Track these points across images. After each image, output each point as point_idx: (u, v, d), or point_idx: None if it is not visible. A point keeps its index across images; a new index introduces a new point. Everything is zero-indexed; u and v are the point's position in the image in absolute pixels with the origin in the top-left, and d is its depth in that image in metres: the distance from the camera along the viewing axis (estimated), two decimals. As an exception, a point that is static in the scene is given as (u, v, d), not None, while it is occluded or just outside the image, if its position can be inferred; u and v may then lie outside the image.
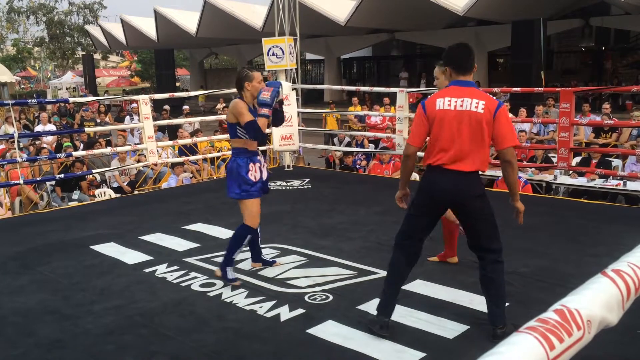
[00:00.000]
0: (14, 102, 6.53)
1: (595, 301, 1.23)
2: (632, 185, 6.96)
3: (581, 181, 7.46)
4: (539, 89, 8.21)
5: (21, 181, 6.15)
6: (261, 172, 3.80)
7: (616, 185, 7.10)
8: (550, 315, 1.11)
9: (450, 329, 3.07)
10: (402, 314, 3.25)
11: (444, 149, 2.89)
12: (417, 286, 3.67)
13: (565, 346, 1.08)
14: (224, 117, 9.58)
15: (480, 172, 2.99)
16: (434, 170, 2.94)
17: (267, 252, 4.38)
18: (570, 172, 7.20)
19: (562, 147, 5.97)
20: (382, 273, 3.92)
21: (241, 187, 3.69)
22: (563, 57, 22.88)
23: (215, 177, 8.73)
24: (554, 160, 7.30)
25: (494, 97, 2.94)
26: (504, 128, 2.87)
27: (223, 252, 4.39)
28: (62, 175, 7.24)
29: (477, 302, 3.38)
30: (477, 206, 2.96)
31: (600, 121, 8.64)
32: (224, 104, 15.58)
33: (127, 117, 13.09)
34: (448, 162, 2.88)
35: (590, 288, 1.28)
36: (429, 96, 3.03)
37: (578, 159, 7.98)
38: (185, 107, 14.56)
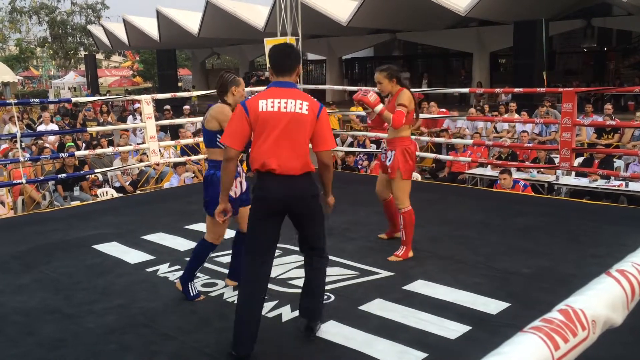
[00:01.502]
0: (16, 101, 6.54)
1: (599, 301, 1.22)
2: (634, 186, 6.95)
3: (583, 182, 7.45)
4: (541, 89, 8.20)
5: (24, 180, 6.16)
6: (241, 185, 3.51)
7: (618, 186, 7.09)
8: (555, 315, 1.11)
9: (452, 329, 3.07)
10: (403, 315, 3.25)
11: (268, 152, 2.77)
12: (419, 286, 3.67)
13: (570, 346, 1.07)
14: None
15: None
16: (264, 176, 2.83)
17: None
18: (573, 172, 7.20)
19: (565, 147, 5.96)
20: (384, 273, 3.93)
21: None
22: (565, 57, 22.86)
23: (217, 177, 8.73)
24: (556, 160, 7.30)
25: (314, 99, 2.88)
26: (325, 130, 2.84)
27: (226, 252, 4.41)
28: (64, 175, 7.25)
29: (479, 303, 3.38)
30: (312, 206, 2.91)
31: (603, 122, 8.63)
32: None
33: (130, 117, 13.10)
34: (277, 167, 2.78)
35: (595, 288, 1.27)
36: (249, 97, 2.89)
37: (580, 159, 7.97)
38: (186, 107, 14.56)
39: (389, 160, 4.24)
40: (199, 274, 3.98)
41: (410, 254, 4.23)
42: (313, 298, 3.03)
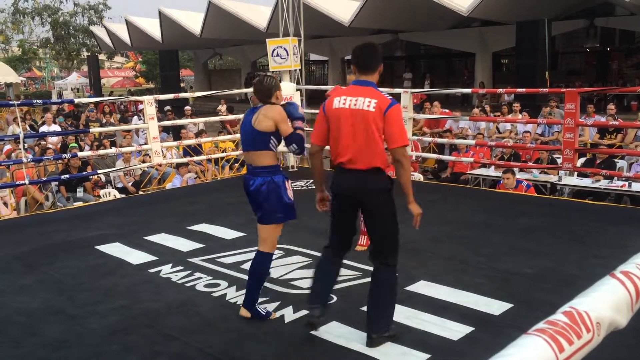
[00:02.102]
0: (19, 102, 6.55)
1: (604, 303, 1.22)
2: (637, 187, 6.93)
3: (586, 182, 7.44)
4: (544, 89, 8.18)
5: (26, 181, 6.17)
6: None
7: (621, 187, 7.07)
8: (559, 317, 1.10)
9: (454, 330, 3.06)
10: (406, 315, 3.24)
11: (338, 148, 2.90)
12: (421, 287, 3.66)
13: (574, 348, 1.07)
14: (229, 117, 9.61)
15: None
16: (336, 169, 2.96)
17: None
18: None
19: (567, 148, 5.95)
20: (387, 274, 3.92)
21: (283, 210, 3.21)
22: (568, 57, 22.82)
23: (219, 178, 8.74)
24: (559, 161, 7.28)
25: (389, 97, 2.89)
26: (392, 128, 2.84)
27: (228, 253, 4.42)
28: (67, 176, 7.26)
29: (482, 304, 3.37)
30: (377, 202, 2.91)
31: (606, 122, 8.61)
32: (226, 105, 15.59)
33: (135, 117, 13.12)
34: (346, 161, 2.88)
35: (599, 290, 1.27)
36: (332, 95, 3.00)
37: (583, 159, 7.95)
38: (187, 107, 14.59)
39: None
40: (201, 275, 3.99)
41: None
42: (373, 309, 2.92)
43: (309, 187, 6.88)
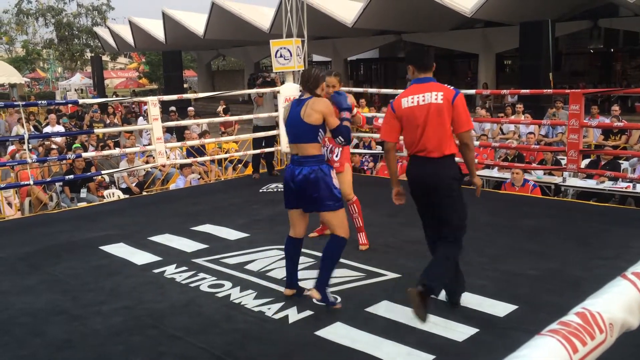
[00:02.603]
0: (24, 103, 6.56)
1: (616, 304, 1.21)
2: (642, 188, 6.90)
3: (590, 183, 7.41)
4: (548, 90, 8.16)
5: (31, 182, 6.18)
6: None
7: (626, 188, 7.04)
8: (572, 318, 1.10)
9: (459, 331, 3.06)
10: (410, 316, 3.22)
11: (414, 141, 3.20)
12: (426, 288, 3.65)
13: (588, 349, 1.06)
14: (234, 118, 9.61)
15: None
16: (411, 160, 3.30)
17: (275, 254, 4.38)
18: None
19: (572, 149, 5.93)
20: (390, 275, 3.92)
21: (332, 198, 3.33)
22: (571, 58, 22.76)
23: (222, 179, 8.74)
24: (563, 162, 7.26)
25: (451, 87, 3.26)
26: (460, 115, 3.17)
27: (232, 253, 4.42)
28: (71, 176, 7.27)
29: (486, 305, 3.36)
30: (449, 186, 3.21)
31: (610, 123, 8.59)
32: (224, 106, 15.62)
33: (140, 118, 13.14)
34: (419, 151, 3.21)
35: (611, 291, 1.26)
36: (400, 94, 3.29)
37: (587, 161, 7.93)
38: (190, 108, 14.62)
39: (337, 156, 4.43)
40: (205, 275, 3.99)
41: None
42: (429, 270, 3.14)
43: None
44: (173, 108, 13.67)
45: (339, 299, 3.45)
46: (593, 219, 5.32)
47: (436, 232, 3.29)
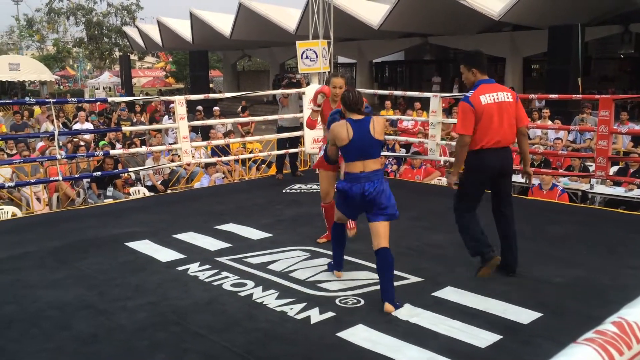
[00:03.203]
0: (54, 100, 6.70)
1: (653, 314, 1.19)
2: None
3: (618, 191, 7.28)
4: (577, 96, 8.03)
5: (60, 177, 6.30)
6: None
7: (655, 196, 6.90)
8: (608, 328, 1.08)
9: (482, 338, 3.03)
10: (433, 322, 3.22)
11: (492, 133, 3.74)
12: (448, 293, 3.63)
13: (625, 359, 1.05)
14: (258, 119, 9.66)
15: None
16: (486, 151, 3.78)
17: (298, 254, 4.40)
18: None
19: (600, 155, 5.83)
20: (414, 278, 3.90)
21: (395, 206, 3.57)
22: (601, 63, 22.36)
23: (246, 178, 8.80)
24: (591, 169, 7.14)
25: (510, 88, 4.04)
26: (522, 110, 3.90)
27: (255, 253, 4.45)
28: (99, 173, 7.40)
29: (510, 312, 3.32)
30: (511, 169, 4.02)
31: (640, 130, 8.42)
32: (243, 105, 15.78)
33: (165, 117, 13.30)
34: (496, 142, 3.77)
35: (648, 301, 1.24)
36: (474, 93, 3.77)
37: (615, 168, 7.79)
38: (216, 108, 14.75)
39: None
40: (228, 274, 4.02)
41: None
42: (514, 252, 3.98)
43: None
44: (200, 108, 13.81)
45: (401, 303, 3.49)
46: (621, 227, 5.22)
47: (497, 207, 3.99)
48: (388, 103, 13.59)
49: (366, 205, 3.53)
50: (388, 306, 3.38)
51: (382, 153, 9.94)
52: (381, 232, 3.50)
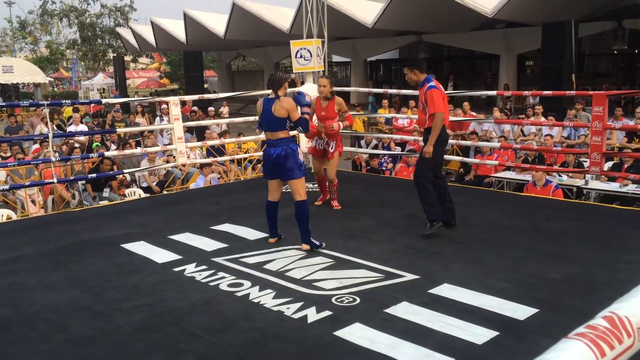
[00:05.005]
0: (48, 102, 6.68)
1: (644, 309, 1.20)
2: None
3: (613, 186, 7.31)
4: (571, 92, 8.06)
5: (55, 180, 6.29)
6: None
7: (650, 191, 6.93)
8: (600, 322, 1.09)
9: (479, 334, 3.04)
10: (429, 319, 3.23)
11: (447, 113, 4.82)
12: (444, 290, 3.64)
13: (616, 353, 1.06)
14: (252, 118, 9.65)
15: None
16: (444, 126, 4.83)
17: (294, 254, 4.41)
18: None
19: (595, 151, 5.86)
20: (410, 276, 3.91)
21: (299, 168, 4.48)
22: (595, 59, 22.45)
23: (242, 178, 8.79)
24: (586, 164, 7.17)
25: None
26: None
27: (251, 253, 4.46)
28: (94, 175, 7.38)
29: (507, 308, 3.33)
30: None
31: (634, 125, 8.45)
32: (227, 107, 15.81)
33: (158, 119, 13.29)
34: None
35: (639, 295, 1.25)
36: (434, 83, 4.76)
37: (610, 163, 7.82)
38: (211, 108, 14.74)
39: (332, 148, 5.78)
40: (224, 274, 4.02)
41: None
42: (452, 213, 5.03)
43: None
44: (195, 108, 13.80)
45: (324, 243, 4.45)
46: (616, 223, 5.25)
47: (434, 174, 4.88)
48: (385, 102, 13.63)
49: (276, 166, 4.43)
50: (304, 246, 4.40)
51: (377, 151, 9.98)
52: (294, 189, 4.46)
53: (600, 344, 1.02)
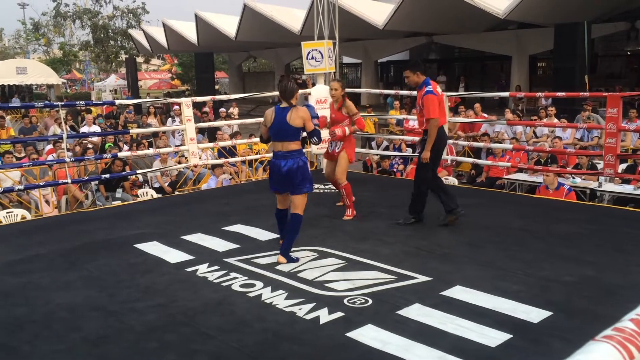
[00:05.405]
0: (63, 103, 6.74)
1: (672, 311, 1.19)
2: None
3: (627, 189, 7.24)
4: (585, 93, 7.99)
5: (69, 180, 6.34)
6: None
7: (664, 194, 6.86)
8: (627, 325, 1.08)
9: (492, 337, 3.02)
10: (442, 321, 3.22)
11: (444, 115, 5.09)
12: (457, 292, 3.63)
13: (643, 356, 1.05)
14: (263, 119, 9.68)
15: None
16: (442, 127, 5.07)
17: (306, 255, 4.41)
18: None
19: (609, 153, 5.81)
20: (422, 278, 3.90)
21: (309, 183, 4.34)
22: (607, 61, 22.25)
23: (253, 179, 8.82)
24: (599, 166, 7.11)
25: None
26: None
27: (263, 254, 4.48)
28: (107, 175, 7.43)
29: (520, 311, 3.32)
30: None
31: (648, 127, 8.36)
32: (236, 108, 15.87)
33: (170, 120, 13.37)
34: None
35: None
36: (432, 87, 4.98)
37: (624, 165, 7.75)
38: (222, 109, 14.79)
39: (338, 148, 5.73)
40: (236, 275, 4.04)
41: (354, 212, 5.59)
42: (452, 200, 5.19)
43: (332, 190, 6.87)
44: (207, 109, 13.86)
45: (300, 258, 4.29)
46: (630, 225, 5.20)
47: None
48: (397, 103, 13.61)
49: (284, 179, 4.24)
50: (281, 258, 4.24)
51: (388, 153, 9.97)
52: (297, 202, 4.28)
53: (628, 347, 1.01)
